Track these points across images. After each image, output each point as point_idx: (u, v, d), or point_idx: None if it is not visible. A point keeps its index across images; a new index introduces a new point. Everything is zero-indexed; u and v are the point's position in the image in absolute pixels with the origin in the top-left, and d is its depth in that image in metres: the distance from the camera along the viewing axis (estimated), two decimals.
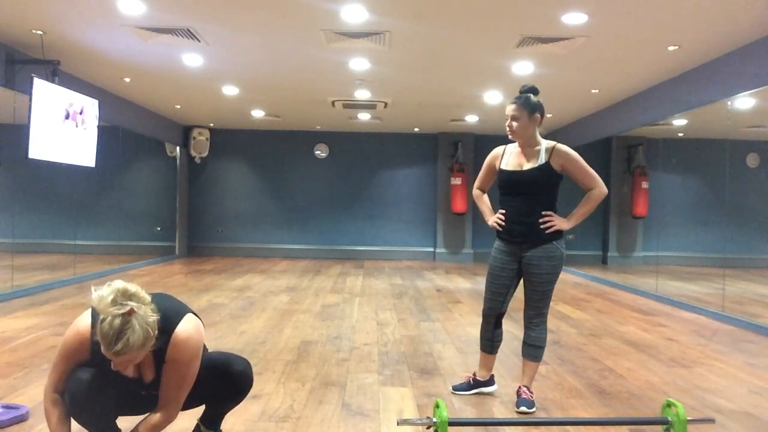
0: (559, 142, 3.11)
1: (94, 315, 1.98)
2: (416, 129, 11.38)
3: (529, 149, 3.04)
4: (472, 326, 4.93)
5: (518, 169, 3.04)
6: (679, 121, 7.51)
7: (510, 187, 3.06)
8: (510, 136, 3.08)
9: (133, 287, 1.92)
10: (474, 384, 3.22)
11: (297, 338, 4.50)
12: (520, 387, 3.05)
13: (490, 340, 3.19)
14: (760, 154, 8.96)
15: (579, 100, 8.29)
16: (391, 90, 7.96)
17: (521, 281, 3.15)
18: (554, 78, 6.96)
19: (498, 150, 3.18)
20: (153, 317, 1.92)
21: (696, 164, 9.35)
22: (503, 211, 3.09)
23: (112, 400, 2.05)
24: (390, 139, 11.86)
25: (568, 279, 9.05)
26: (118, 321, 1.83)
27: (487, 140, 11.58)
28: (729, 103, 5.92)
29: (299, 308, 5.85)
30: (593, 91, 7.68)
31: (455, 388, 3.24)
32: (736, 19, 4.88)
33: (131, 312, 1.85)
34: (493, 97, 8.15)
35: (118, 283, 1.91)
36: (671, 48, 5.71)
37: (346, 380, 3.44)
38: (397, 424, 2.48)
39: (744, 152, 8.85)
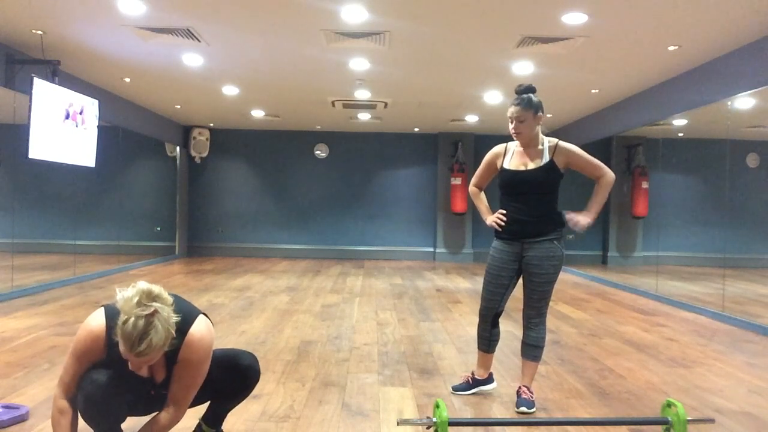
0: (559, 141, 3.11)
1: (108, 315, 1.99)
2: (416, 129, 11.38)
3: (532, 149, 3.04)
4: (472, 326, 4.93)
5: (522, 168, 3.03)
6: (679, 121, 7.51)
7: (513, 187, 3.04)
8: (515, 138, 3.06)
9: (156, 289, 1.94)
10: (473, 383, 3.22)
11: (297, 338, 4.50)
12: (520, 387, 3.05)
13: (488, 340, 3.19)
14: (760, 154, 8.96)
15: (579, 100, 8.29)
16: (391, 90, 7.96)
17: (519, 281, 3.15)
18: (554, 78, 6.95)
19: (499, 148, 3.16)
20: (174, 318, 1.94)
21: (696, 164, 9.35)
22: (504, 211, 3.08)
23: (125, 402, 2.06)
24: (390, 139, 11.85)
25: (568, 279, 9.05)
26: (141, 322, 1.84)
27: (487, 140, 11.58)
28: (729, 103, 5.92)
29: (299, 308, 5.85)
30: (593, 91, 7.68)
31: (455, 389, 3.24)
32: (736, 19, 4.88)
33: (155, 313, 1.87)
34: (493, 97, 8.15)
35: (143, 285, 1.92)
36: (671, 48, 5.71)
37: (346, 380, 3.44)
38: (397, 424, 2.48)
39: (744, 152, 8.85)
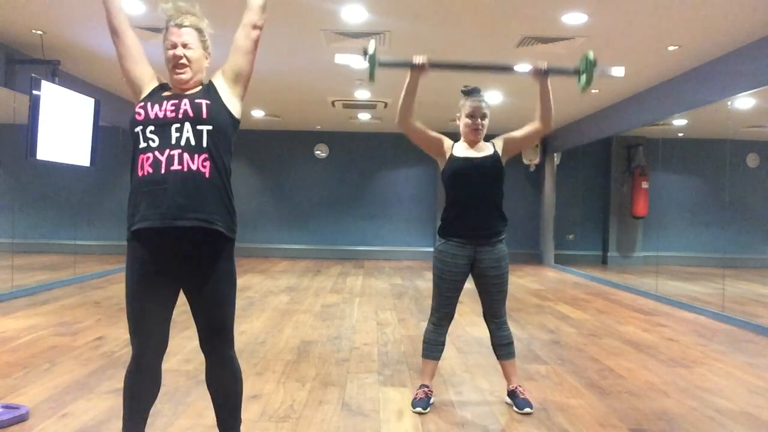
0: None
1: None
2: None
3: (479, 144, 3.03)
4: (472, 326, 4.93)
5: (474, 156, 2.97)
6: (679, 121, 7.51)
7: (466, 176, 2.95)
8: (473, 135, 2.99)
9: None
10: (431, 394, 3.04)
11: (297, 338, 4.50)
12: (516, 387, 3.02)
13: (442, 345, 3.06)
14: (760, 154, 8.96)
15: (579, 100, 8.28)
16: (391, 90, 7.95)
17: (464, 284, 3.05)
18: (554, 78, 6.94)
19: (448, 140, 3.08)
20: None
21: (696, 164, 9.36)
22: (456, 208, 2.99)
23: (152, 396, 2.10)
24: (390, 139, 11.85)
25: (568, 279, 9.05)
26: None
27: (486, 140, 11.57)
28: (729, 103, 5.92)
29: (299, 308, 5.85)
30: (593, 91, 7.68)
31: (419, 405, 2.92)
32: (736, 19, 4.88)
33: None
34: (493, 97, 8.15)
35: None
36: (671, 48, 5.71)
37: (346, 380, 3.44)
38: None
39: (744, 152, 8.85)
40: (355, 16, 4.98)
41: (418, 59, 2.85)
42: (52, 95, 6.02)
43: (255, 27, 2.16)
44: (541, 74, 2.93)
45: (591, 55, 2.76)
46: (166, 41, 2.10)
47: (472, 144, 3.03)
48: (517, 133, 3.05)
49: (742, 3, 4.52)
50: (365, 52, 2.72)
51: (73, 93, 6.47)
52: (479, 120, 2.98)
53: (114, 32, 2.12)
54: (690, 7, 4.65)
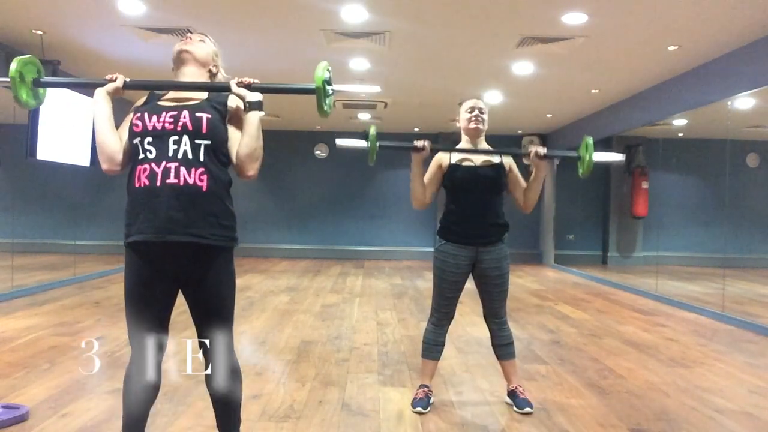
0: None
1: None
2: (416, 129, 11.38)
3: (480, 146, 3.03)
4: (472, 326, 4.93)
5: (471, 164, 2.97)
6: (679, 121, 7.51)
7: (465, 185, 2.95)
8: (475, 132, 3.00)
9: None
10: (431, 394, 3.05)
11: (297, 338, 4.50)
12: (516, 387, 3.02)
13: (442, 346, 3.06)
14: (760, 154, 8.97)
15: (579, 100, 8.28)
16: (391, 90, 7.96)
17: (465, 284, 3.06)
18: (554, 78, 6.95)
19: (441, 154, 3.06)
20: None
21: (696, 164, 9.37)
22: (456, 214, 3.00)
23: (152, 397, 2.07)
24: (390, 139, 11.73)
25: (568, 279, 9.05)
26: None
27: (486, 140, 11.57)
28: (729, 103, 5.92)
29: (299, 308, 5.85)
30: (593, 91, 7.68)
31: (420, 405, 2.93)
32: (736, 19, 4.88)
33: None
34: (493, 97, 8.15)
35: None
36: (671, 48, 5.71)
37: (346, 380, 3.44)
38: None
39: (744, 152, 8.87)
40: (355, 16, 4.98)
41: (420, 143, 2.89)
42: (52, 95, 6.02)
43: (246, 178, 2.06)
44: (541, 158, 2.91)
45: (590, 140, 2.82)
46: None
47: (474, 138, 3.03)
48: (515, 177, 3.03)
49: (742, 3, 4.52)
50: (366, 135, 2.75)
51: (73, 93, 6.47)
52: (478, 112, 3.01)
53: (124, 166, 2.06)
54: (690, 7, 4.65)
